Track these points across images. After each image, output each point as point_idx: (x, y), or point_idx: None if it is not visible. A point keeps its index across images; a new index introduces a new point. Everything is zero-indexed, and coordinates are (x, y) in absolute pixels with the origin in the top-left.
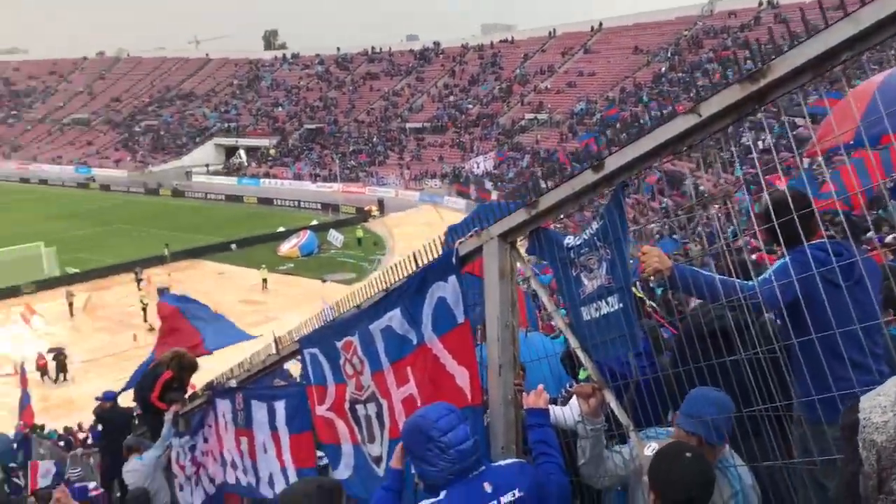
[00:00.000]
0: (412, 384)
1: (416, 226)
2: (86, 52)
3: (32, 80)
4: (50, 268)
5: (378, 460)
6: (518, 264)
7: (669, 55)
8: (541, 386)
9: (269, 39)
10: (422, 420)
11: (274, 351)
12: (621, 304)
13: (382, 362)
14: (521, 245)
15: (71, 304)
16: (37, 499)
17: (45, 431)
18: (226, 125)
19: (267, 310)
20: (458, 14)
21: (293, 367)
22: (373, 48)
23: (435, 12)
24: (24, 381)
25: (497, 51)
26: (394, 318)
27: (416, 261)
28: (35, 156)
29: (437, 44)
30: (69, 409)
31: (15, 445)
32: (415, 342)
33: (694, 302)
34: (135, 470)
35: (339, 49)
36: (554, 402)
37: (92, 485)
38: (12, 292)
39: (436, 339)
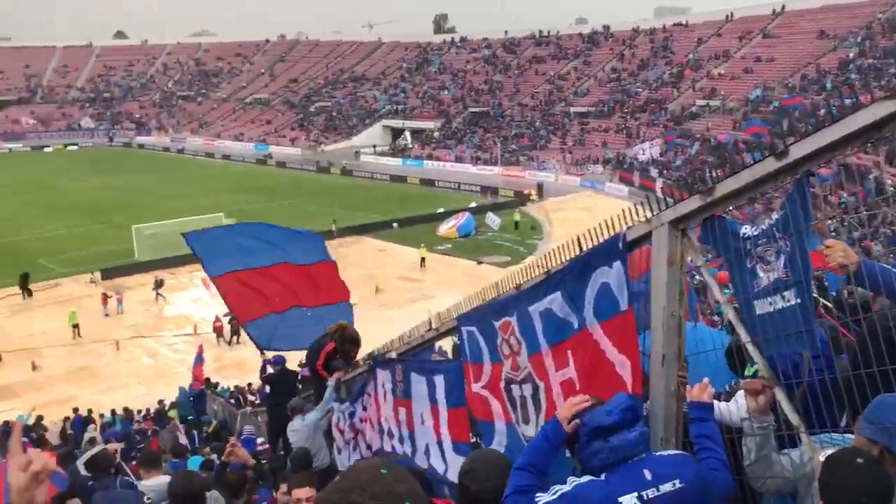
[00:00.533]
0: (571, 368)
1: (574, 211)
2: (268, 35)
3: (220, 61)
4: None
5: None
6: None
7: (860, 40)
8: (706, 379)
9: (439, 23)
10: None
11: (433, 326)
12: (799, 300)
13: (540, 344)
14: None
15: None
16: (211, 450)
17: (218, 389)
18: (394, 107)
19: (424, 287)
20: None
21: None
22: (540, 32)
23: None
24: (200, 348)
25: (669, 34)
26: (554, 300)
27: (579, 245)
28: (219, 132)
29: (606, 27)
30: (241, 369)
31: (191, 399)
32: (575, 326)
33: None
34: (297, 430)
35: (506, 33)
36: (717, 397)
37: (260, 440)
38: (195, 258)
39: (597, 324)
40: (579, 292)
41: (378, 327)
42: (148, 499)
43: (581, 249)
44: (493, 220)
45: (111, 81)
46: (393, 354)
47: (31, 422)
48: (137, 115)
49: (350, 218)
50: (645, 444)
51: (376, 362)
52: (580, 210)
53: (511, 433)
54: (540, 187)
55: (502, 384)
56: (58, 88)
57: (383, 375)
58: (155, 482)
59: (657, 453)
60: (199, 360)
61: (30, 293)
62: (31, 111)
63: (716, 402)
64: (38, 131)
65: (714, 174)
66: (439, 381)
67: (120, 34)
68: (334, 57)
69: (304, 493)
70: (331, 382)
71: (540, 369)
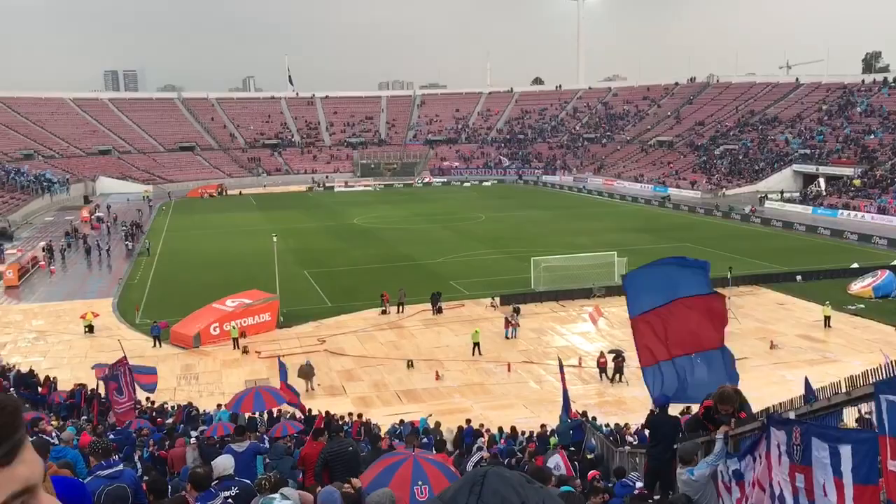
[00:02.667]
0: None
1: None
2: (677, 79)
3: (627, 104)
4: (620, 275)
5: None
6: None
7: None
8: None
9: (870, 62)
10: None
11: (842, 390)
12: None
13: None
14: None
15: None
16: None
17: (596, 423)
18: (807, 152)
19: (825, 349)
20: None
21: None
22: None
23: None
24: (563, 379)
25: None
26: None
27: None
28: (620, 173)
29: None
30: (619, 407)
31: (571, 431)
32: None
33: None
34: (685, 482)
35: None
36: None
37: (639, 484)
38: (586, 293)
39: None
40: None
41: (770, 386)
42: None
43: None
44: None
45: (525, 124)
46: (791, 414)
47: (430, 425)
48: (545, 156)
49: (748, 266)
50: None
51: (771, 420)
52: None
53: None
54: None
55: None
56: (480, 130)
57: (778, 436)
58: None
59: None
60: (566, 394)
61: (440, 310)
62: (456, 150)
63: None
64: (459, 168)
65: None
66: (846, 451)
67: (537, 80)
68: (745, 99)
69: None
70: (719, 436)
71: None
